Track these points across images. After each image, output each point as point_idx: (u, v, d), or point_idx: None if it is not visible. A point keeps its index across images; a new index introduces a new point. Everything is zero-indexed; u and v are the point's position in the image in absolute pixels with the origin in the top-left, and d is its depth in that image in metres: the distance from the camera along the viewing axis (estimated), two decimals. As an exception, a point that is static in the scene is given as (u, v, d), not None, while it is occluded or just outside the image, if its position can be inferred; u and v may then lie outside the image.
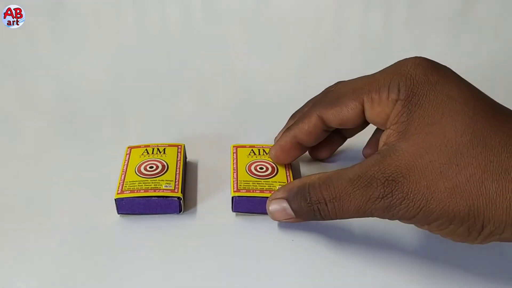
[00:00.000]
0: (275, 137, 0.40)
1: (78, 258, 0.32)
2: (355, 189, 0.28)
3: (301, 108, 0.40)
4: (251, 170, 0.37)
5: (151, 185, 0.35)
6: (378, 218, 0.29)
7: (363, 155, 0.40)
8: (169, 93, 0.50)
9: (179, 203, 0.35)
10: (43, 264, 0.32)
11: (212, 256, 0.32)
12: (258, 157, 0.39)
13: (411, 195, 0.27)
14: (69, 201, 0.37)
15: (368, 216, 0.29)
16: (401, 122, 0.29)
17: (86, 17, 0.56)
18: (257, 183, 0.36)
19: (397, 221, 0.29)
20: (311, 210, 0.31)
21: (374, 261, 0.32)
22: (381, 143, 0.31)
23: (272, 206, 0.33)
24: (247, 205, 0.35)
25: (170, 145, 0.40)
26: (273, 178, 0.36)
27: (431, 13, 0.54)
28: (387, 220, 0.29)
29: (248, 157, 0.38)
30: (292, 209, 0.32)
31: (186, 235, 0.34)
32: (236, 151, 0.39)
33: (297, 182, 0.32)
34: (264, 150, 0.39)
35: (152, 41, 0.56)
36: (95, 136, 0.44)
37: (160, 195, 0.35)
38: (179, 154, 0.39)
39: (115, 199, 0.35)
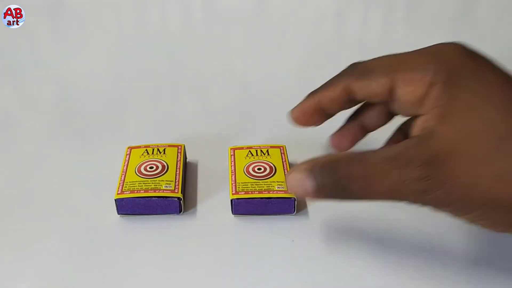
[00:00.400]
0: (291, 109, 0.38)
1: (78, 258, 0.32)
2: (390, 169, 0.26)
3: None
4: (249, 171, 0.37)
5: (151, 186, 0.35)
6: (381, 217, 0.29)
7: (330, 143, 0.38)
8: (169, 94, 0.50)
9: (179, 203, 0.35)
10: (43, 264, 0.32)
11: (212, 257, 0.33)
12: (256, 157, 0.39)
13: (453, 179, 0.25)
14: (69, 202, 0.37)
15: (398, 200, 0.27)
16: (441, 106, 0.27)
17: (86, 18, 0.56)
18: (256, 184, 0.36)
19: (401, 218, 0.28)
20: (337, 186, 0.28)
21: (374, 262, 0.32)
22: (415, 129, 0.29)
23: (292, 180, 0.29)
24: (247, 207, 0.35)
25: (170, 146, 0.40)
26: (272, 178, 0.36)
27: (431, 13, 0.54)
28: (389, 220, 0.28)
29: (245, 158, 0.38)
30: (315, 184, 0.28)
31: (186, 235, 0.34)
32: (234, 153, 0.39)
33: (323, 157, 0.29)
34: (261, 151, 0.39)
35: (152, 42, 0.56)
36: (95, 137, 0.44)
37: (160, 195, 0.35)
38: (179, 154, 0.39)
39: (115, 200, 0.35)
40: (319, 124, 0.36)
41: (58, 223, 0.35)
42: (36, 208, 0.36)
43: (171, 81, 0.52)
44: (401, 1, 0.60)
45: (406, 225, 0.30)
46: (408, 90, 0.29)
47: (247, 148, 0.40)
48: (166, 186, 0.36)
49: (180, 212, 0.36)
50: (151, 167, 0.37)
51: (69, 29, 0.58)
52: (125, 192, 0.35)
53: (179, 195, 0.35)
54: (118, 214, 0.35)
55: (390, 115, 0.33)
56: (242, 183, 0.36)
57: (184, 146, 0.40)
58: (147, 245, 0.33)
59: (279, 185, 0.36)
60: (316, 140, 0.44)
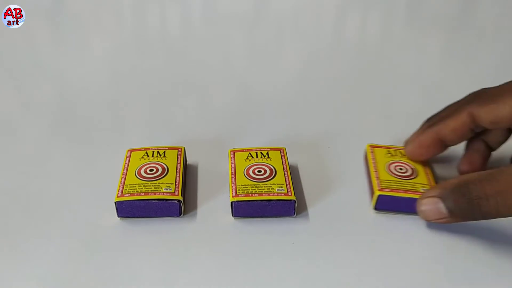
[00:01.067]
0: (406, 140, 0.38)
1: (78, 261, 0.32)
2: None
3: (438, 112, 0.38)
4: (249, 173, 0.37)
5: (151, 188, 0.35)
6: (381, 218, 0.28)
7: (459, 171, 0.38)
8: (169, 96, 0.50)
9: (179, 206, 0.35)
10: (43, 267, 0.32)
11: (213, 259, 0.33)
12: (256, 160, 0.39)
13: None
14: (69, 204, 0.37)
15: None
16: None
17: (86, 20, 0.56)
18: (256, 187, 0.36)
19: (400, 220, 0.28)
20: (470, 206, 0.29)
21: (374, 264, 0.32)
22: None
23: (425, 206, 0.32)
24: (247, 209, 0.35)
25: (170, 148, 0.40)
26: (272, 180, 0.36)
27: (431, 14, 0.54)
28: (389, 220, 0.28)
29: (246, 160, 0.38)
30: (447, 208, 0.30)
31: (186, 238, 0.34)
32: (234, 155, 0.39)
33: (453, 180, 0.31)
34: (261, 153, 0.39)
35: (152, 44, 0.56)
36: (95, 139, 0.44)
37: (160, 198, 0.35)
38: (179, 157, 0.39)
39: (115, 202, 0.35)
40: (433, 156, 0.37)
41: (58, 226, 0.35)
42: (36, 211, 0.36)
43: (171, 84, 0.52)
44: (401, 3, 0.60)
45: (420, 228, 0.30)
46: None
47: (247, 150, 0.40)
48: (166, 189, 0.36)
49: (180, 215, 0.36)
50: (151, 170, 0.37)
51: (69, 31, 0.58)
52: (125, 195, 0.35)
53: (179, 197, 0.35)
54: (118, 217, 0.35)
55: (510, 131, 0.34)
56: (242, 185, 0.36)
57: (184, 149, 0.40)
58: (147, 248, 0.33)
59: (279, 187, 0.36)
60: (316, 143, 0.44)
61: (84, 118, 0.47)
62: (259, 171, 0.37)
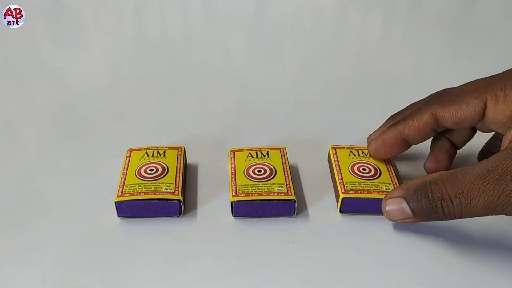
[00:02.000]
0: (368, 136, 0.39)
1: (78, 261, 0.32)
2: (485, 183, 0.27)
3: (402, 110, 0.39)
4: (249, 173, 0.37)
5: (151, 188, 0.35)
6: (380, 217, 0.29)
7: (425, 169, 0.39)
8: (169, 96, 0.50)
9: (179, 205, 0.35)
10: (44, 267, 0.32)
11: (213, 259, 0.33)
12: (256, 160, 0.39)
13: None
14: (69, 204, 0.37)
15: (497, 213, 0.28)
16: None
17: (86, 20, 0.56)
18: (256, 186, 0.36)
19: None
20: (433, 207, 0.29)
21: (374, 263, 0.32)
22: (505, 142, 0.30)
23: (389, 206, 0.32)
24: (247, 209, 0.35)
25: (170, 148, 0.40)
26: (272, 180, 0.36)
27: (431, 14, 0.54)
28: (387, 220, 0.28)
29: (246, 160, 0.38)
30: (411, 208, 0.31)
31: (187, 238, 0.34)
32: (234, 155, 0.39)
33: (415, 180, 0.31)
34: (261, 153, 0.39)
35: (152, 44, 0.56)
36: (95, 139, 0.44)
37: (160, 198, 0.35)
38: (179, 156, 0.39)
39: (115, 202, 0.35)
40: (396, 155, 0.37)
41: (58, 226, 0.35)
42: (36, 211, 0.36)
43: (171, 84, 0.52)
44: (401, 3, 0.59)
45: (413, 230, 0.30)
46: (500, 108, 0.31)
47: (247, 150, 0.40)
48: (166, 189, 0.36)
49: (180, 215, 0.36)
50: (151, 170, 0.37)
51: (69, 31, 0.57)
52: (125, 195, 0.35)
53: (179, 197, 0.35)
54: (118, 216, 0.35)
55: (474, 129, 0.34)
56: (242, 185, 0.36)
57: (184, 149, 0.40)
58: (147, 248, 0.33)
59: (279, 187, 0.36)
60: (316, 142, 0.44)
61: (84, 118, 0.47)
62: (259, 171, 0.37)
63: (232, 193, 0.35)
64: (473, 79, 0.34)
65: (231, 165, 0.38)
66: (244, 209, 0.35)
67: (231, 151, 0.40)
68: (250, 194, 0.35)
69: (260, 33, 0.54)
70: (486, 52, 0.53)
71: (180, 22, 0.55)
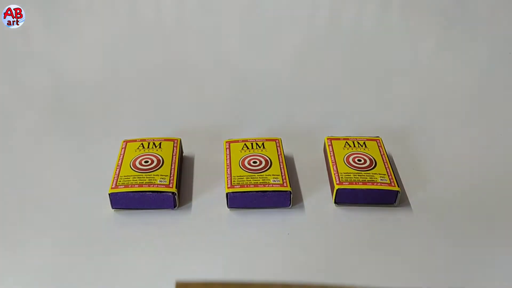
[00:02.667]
0: None
1: (72, 252, 0.32)
2: None
3: None
4: (244, 164, 0.37)
5: (145, 180, 0.35)
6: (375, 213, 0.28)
7: None
8: (166, 87, 0.50)
9: (174, 198, 0.35)
10: (38, 258, 0.31)
11: (208, 251, 0.32)
12: (251, 151, 0.38)
13: None
14: (63, 196, 0.37)
15: None
16: None
17: (80, 11, 0.55)
18: (251, 178, 0.35)
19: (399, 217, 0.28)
20: None
21: (369, 254, 0.32)
22: None
23: None
24: (242, 201, 0.35)
25: (166, 140, 0.39)
26: (267, 171, 0.36)
27: (426, 5, 0.53)
28: (385, 217, 0.28)
29: (241, 151, 0.38)
30: None
31: (181, 230, 0.34)
32: (229, 146, 0.39)
33: None
34: (257, 144, 0.39)
35: (147, 34, 0.55)
36: (91, 130, 0.44)
37: (155, 190, 0.35)
38: (175, 148, 0.39)
39: (109, 194, 0.34)
40: None
41: (52, 218, 0.35)
42: (30, 202, 0.36)
43: (167, 74, 0.51)
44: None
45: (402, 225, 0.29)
46: None
47: (243, 141, 0.39)
48: (160, 181, 0.35)
49: (175, 207, 0.35)
50: (146, 161, 0.37)
51: (63, 23, 0.57)
52: (119, 187, 0.35)
53: (174, 190, 0.35)
54: (112, 208, 0.35)
55: None
56: (237, 176, 0.36)
57: (180, 140, 0.40)
58: (141, 240, 0.33)
59: (275, 178, 0.35)
60: (312, 133, 0.43)
61: (79, 109, 0.47)
62: (255, 162, 0.37)
63: (228, 185, 0.35)
64: (468, 70, 0.34)
65: (226, 156, 0.38)
66: (239, 200, 0.35)
67: (226, 142, 0.39)
68: (245, 186, 0.35)
69: (256, 21, 0.53)
70: (481, 42, 0.52)
71: (174, 11, 0.54)
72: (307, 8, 0.52)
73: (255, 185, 0.35)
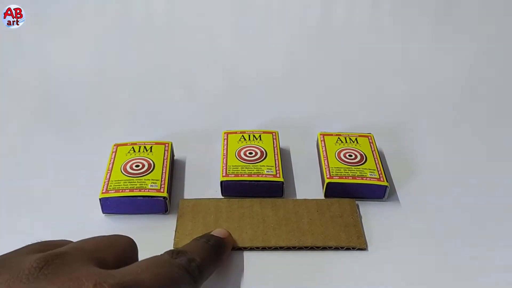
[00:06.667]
0: None
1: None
2: None
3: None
4: (240, 155, 0.37)
5: (136, 185, 0.35)
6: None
7: None
8: (157, 86, 0.49)
9: (165, 203, 0.34)
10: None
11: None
12: (248, 142, 0.39)
13: None
14: (53, 200, 0.36)
15: None
16: None
17: (70, 9, 0.54)
18: (246, 168, 0.36)
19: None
20: None
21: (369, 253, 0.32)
22: None
23: None
24: (236, 189, 0.36)
25: (157, 143, 0.39)
26: (262, 162, 0.37)
27: (417, 5, 0.54)
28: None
29: (238, 142, 0.39)
30: None
31: (172, 235, 0.34)
32: (227, 137, 0.39)
33: None
34: (254, 136, 0.39)
35: (137, 33, 0.54)
36: (81, 133, 0.43)
37: (146, 195, 0.34)
38: (166, 152, 0.38)
39: (100, 199, 0.34)
40: None
41: (42, 222, 0.34)
42: (19, 206, 0.35)
43: (159, 73, 0.50)
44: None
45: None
46: None
47: (241, 132, 0.40)
48: (151, 186, 0.35)
49: (166, 212, 0.35)
50: (137, 166, 0.37)
51: (53, 23, 0.56)
52: (110, 191, 0.34)
53: (165, 194, 0.34)
54: (103, 213, 0.34)
55: None
56: (233, 166, 0.36)
57: (172, 144, 0.39)
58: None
59: (269, 169, 0.36)
60: (308, 126, 0.44)
61: (69, 111, 0.46)
62: (250, 153, 0.38)
63: (223, 173, 0.36)
64: (459, 67, 0.34)
65: (224, 146, 0.38)
66: (233, 189, 0.36)
67: (224, 133, 0.40)
68: (239, 175, 0.35)
69: (247, 17, 0.53)
70: (472, 40, 0.52)
71: (166, 11, 0.54)
72: (300, 3, 0.52)
73: (249, 175, 0.35)
